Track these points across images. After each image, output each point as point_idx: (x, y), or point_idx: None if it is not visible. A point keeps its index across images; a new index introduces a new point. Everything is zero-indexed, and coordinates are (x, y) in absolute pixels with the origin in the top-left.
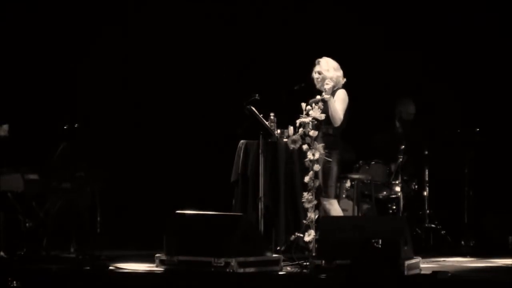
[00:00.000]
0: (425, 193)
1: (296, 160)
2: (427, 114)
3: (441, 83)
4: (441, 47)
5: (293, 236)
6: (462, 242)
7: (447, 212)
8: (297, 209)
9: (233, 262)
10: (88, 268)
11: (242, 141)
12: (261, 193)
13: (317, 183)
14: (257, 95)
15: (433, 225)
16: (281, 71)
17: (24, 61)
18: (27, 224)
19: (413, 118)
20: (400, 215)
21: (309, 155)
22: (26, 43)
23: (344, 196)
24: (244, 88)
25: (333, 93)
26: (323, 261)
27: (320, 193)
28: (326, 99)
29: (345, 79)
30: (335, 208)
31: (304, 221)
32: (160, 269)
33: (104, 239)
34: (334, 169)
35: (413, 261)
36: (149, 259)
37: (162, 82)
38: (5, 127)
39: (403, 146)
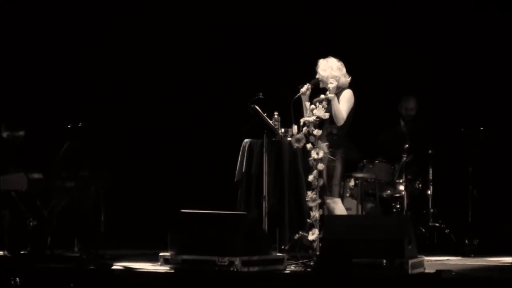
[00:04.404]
0: (429, 192)
1: (300, 159)
2: (431, 112)
3: (445, 81)
4: (444, 46)
5: (297, 235)
6: (466, 241)
7: (451, 211)
8: (301, 208)
9: (237, 261)
10: (92, 267)
11: (246, 140)
12: (265, 192)
13: (321, 182)
14: (261, 94)
15: (437, 224)
16: (285, 70)
17: (28, 60)
18: (31, 223)
19: (413, 114)
20: (404, 214)
21: (313, 154)
22: (30, 43)
23: (348, 195)
24: (248, 87)
25: (339, 92)
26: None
27: (324, 192)
28: (330, 98)
29: (349, 78)
30: (339, 207)
31: (308, 220)
32: (164, 268)
33: (108, 238)
34: (339, 168)
35: (417, 260)
36: (153, 258)
37: (166, 81)
38: (21, 133)
39: (407, 145)
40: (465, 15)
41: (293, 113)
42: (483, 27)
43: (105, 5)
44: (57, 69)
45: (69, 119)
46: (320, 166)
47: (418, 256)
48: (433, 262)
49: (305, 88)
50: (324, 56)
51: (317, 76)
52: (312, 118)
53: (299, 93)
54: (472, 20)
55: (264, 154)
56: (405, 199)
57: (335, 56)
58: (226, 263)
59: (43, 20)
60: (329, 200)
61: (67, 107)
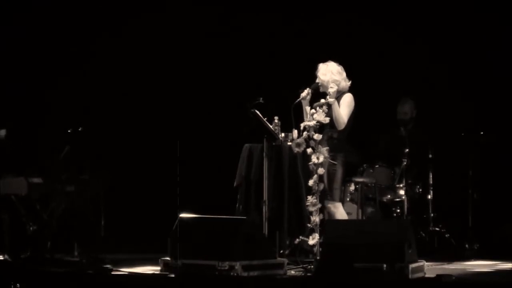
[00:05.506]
0: (429, 196)
1: (300, 164)
2: (431, 116)
3: (445, 85)
4: (445, 48)
5: (297, 240)
6: (466, 246)
7: (451, 216)
8: (301, 213)
9: (237, 265)
10: (91, 271)
11: (246, 144)
12: (265, 197)
13: (321, 187)
14: (261, 98)
15: (437, 229)
16: (285, 74)
17: (27, 64)
18: (31, 227)
19: (407, 118)
20: (404, 218)
21: (313, 159)
22: (29, 46)
23: (348, 199)
24: (249, 91)
25: (339, 96)
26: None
27: (325, 196)
28: (330, 103)
29: (349, 82)
30: (340, 212)
31: (309, 225)
32: (164, 272)
33: (108, 242)
34: (339, 172)
35: (417, 264)
36: (153, 263)
37: (166, 85)
38: (2, 132)
39: (407, 150)
40: (465, 16)
41: (293, 118)
42: (483, 29)
43: (105, 5)
44: (57, 71)
45: (70, 123)
46: (321, 170)
47: (419, 260)
48: (433, 267)
49: (305, 93)
50: (324, 60)
51: (317, 81)
52: (312, 123)
53: (300, 98)
54: (472, 22)
55: (264, 158)
56: (405, 203)
57: (335, 60)
58: (226, 268)
59: (43, 21)
60: (329, 205)
61: (68, 110)
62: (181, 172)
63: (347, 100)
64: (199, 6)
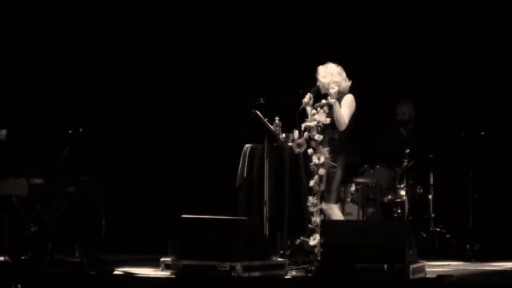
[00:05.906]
0: (430, 197)
1: (301, 164)
2: (431, 117)
3: (445, 85)
4: (445, 49)
5: (298, 240)
6: (467, 246)
7: (452, 216)
8: (302, 213)
9: (238, 266)
10: (93, 272)
11: (247, 145)
12: (266, 197)
13: (322, 187)
14: (262, 99)
15: (438, 229)
16: (286, 74)
17: (28, 64)
18: (31, 228)
19: (406, 119)
20: (405, 219)
21: (314, 159)
22: (29, 46)
23: (349, 200)
24: (249, 92)
25: (340, 97)
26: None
27: (323, 197)
28: (331, 103)
29: (350, 82)
30: (335, 213)
31: (309, 225)
32: (165, 273)
33: (108, 243)
34: (339, 174)
35: (418, 264)
36: (154, 263)
37: (167, 86)
38: (3, 132)
39: (408, 150)
40: (465, 16)
41: (298, 123)
42: (483, 28)
43: (108, 6)
44: (57, 72)
45: (70, 124)
46: (321, 171)
47: (419, 261)
48: (434, 267)
49: (307, 98)
50: (323, 61)
51: (317, 83)
52: (313, 123)
53: (303, 105)
54: (471, 22)
55: (265, 159)
56: (406, 204)
57: (334, 60)
58: (227, 268)
59: (43, 20)
60: (325, 206)
61: (68, 111)
62: (182, 172)
63: (348, 101)
64: (201, 5)
